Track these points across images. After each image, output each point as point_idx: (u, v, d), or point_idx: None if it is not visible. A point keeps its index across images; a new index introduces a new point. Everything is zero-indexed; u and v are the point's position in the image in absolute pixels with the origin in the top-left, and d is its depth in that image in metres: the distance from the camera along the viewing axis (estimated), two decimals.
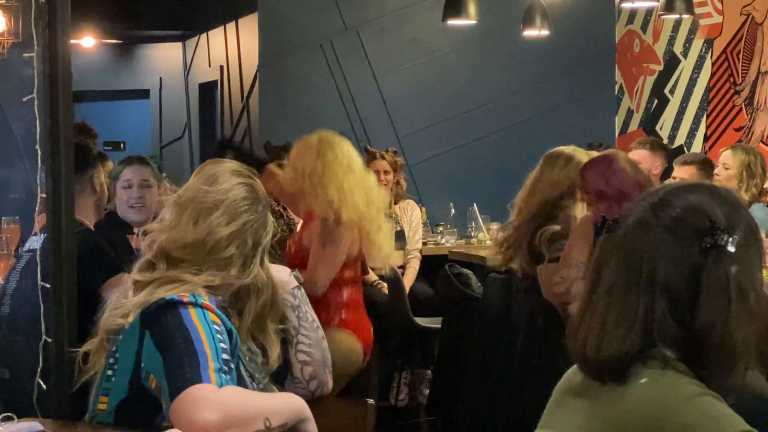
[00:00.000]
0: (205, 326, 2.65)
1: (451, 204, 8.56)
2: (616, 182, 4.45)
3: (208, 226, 2.82)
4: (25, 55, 3.48)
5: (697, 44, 8.62)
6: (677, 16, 7.66)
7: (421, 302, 7.07)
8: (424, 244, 7.73)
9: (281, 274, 3.09)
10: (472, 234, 8.29)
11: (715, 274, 1.87)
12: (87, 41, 11.81)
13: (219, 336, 2.66)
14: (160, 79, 12.41)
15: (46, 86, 3.45)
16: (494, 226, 8.15)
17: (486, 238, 8.12)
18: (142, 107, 12.66)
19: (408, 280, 7.21)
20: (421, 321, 6.84)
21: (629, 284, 1.89)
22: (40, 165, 3.48)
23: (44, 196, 3.47)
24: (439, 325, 6.66)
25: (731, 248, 1.88)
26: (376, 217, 5.10)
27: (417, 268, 7.41)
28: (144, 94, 12.66)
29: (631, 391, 1.86)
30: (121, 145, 11.90)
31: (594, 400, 1.92)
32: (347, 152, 5.11)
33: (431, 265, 7.21)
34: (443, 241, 8.18)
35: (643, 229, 1.92)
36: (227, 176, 2.90)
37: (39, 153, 3.47)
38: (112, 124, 11.70)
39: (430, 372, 7.17)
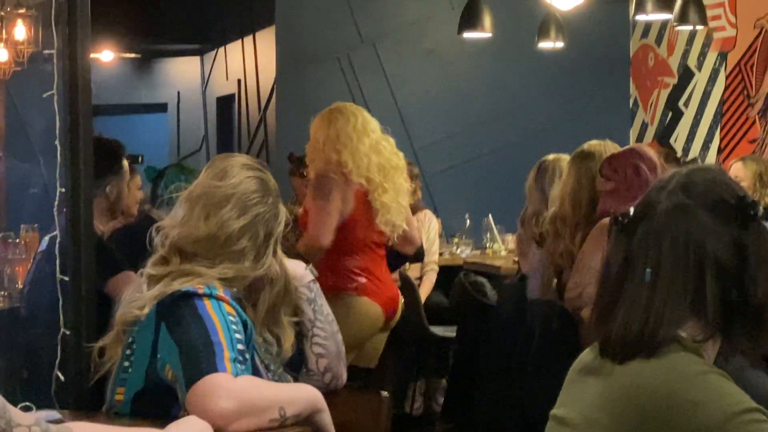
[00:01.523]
0: (221, 317, 2.68)
1: (467, 215, 8.59)
2: (644, 168, 4.49)
3: (219, 220, 2.84)
4: (46, 52, 3.52)
5: (711, 57, 8.65)
6: (691, 27, 7.68)
7: (436, 313, 7.10)
8: (440, 254, 7.76)
9: (297, 267, 3.10)
10: (487, 245, 8.32)
11: (761, 245, 1.94)
12: (106, 55, 11.88)
13: (234, 327, 2.69)
14: (178, 92, 12.44)
15: (65, 81, 3.47)
16: (509, 237, 8.20)
17: (501, 249, 8.16)
18: (160, 121, 12.69)
19: (424, 291, 7.23)
20: (435, 330, 6.88)
21: (678, 266, 1.93)
22: (59, 160, 3.50)
23: (63, 190, 3.50)
24: (454, 334, 6.70)
25: (763, 219, 1.95)
26: (382, 180, 5.20)
27: (434, 280, 7.42)
28: (162, 107, 12.68)
29: (642, 369, 1.89)
30: (139, 159, 11.93)
31: (606, 377, 1.95)
32: (361, 117, 5.25)
33: (447, 275, 7.25)
34: (458, 251, 8.21)
35: (682, 211, 1.96)
36: (237, 170, 2.92)
37: (58, 148, 3.50)
38: (130, 137, 11.66)
39: (444, 381, 7.20)
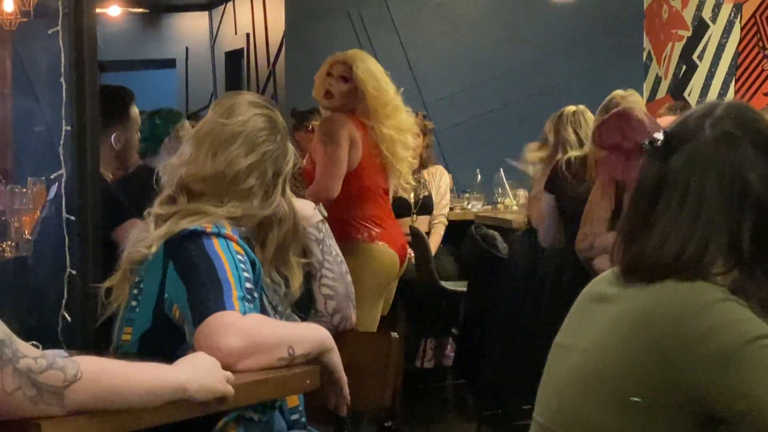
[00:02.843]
0: (229, 256, 2.66)
1: (478, 170, 8.55)
2: (633, 134, 4.45)
3: (226, 158, 2.83)
4: None
5: (726, 9, 8.56)
6: None
7: (447, 269, 7.09)
8: (451, 209, 7.73)
9: (306, 208, 3.09)
10: (499, 200, 8.30)
11: None
12: (113, 10, 11.86)
13: (242, 265, 2.67)
14: (186, 48, 12.44)
15: (70, 18, 3.46)
16: (521, 192, 8.17)
17: (512, 203, 8.13)
18: (169, 76, 12.70)
19: (433, 244, 7.22)
20: (446, 285, 6.85)
21: (724, 195, 1.92)
22: (64, 98, 3.48)
23: (69, 128, 3.48)
24: (465, 289, 6.68)
25: None
26: (395, 136, 5.23)
27: (442, 233, 7.41)
28: (170, 63, 12.71)
29: (660, 292, 1.89)
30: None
31: (619, 302, 1.94)
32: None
33: (458, 230, 7.22)
34: (469, 206, 8.19)
35: (730, 141, 1.95)
36: (244, 108, 2.90)
37: (63, 86, 3.47)
38: (138, 93, 11.53)
39: (455, 335, 7.20)
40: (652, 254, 1.93)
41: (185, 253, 2.67)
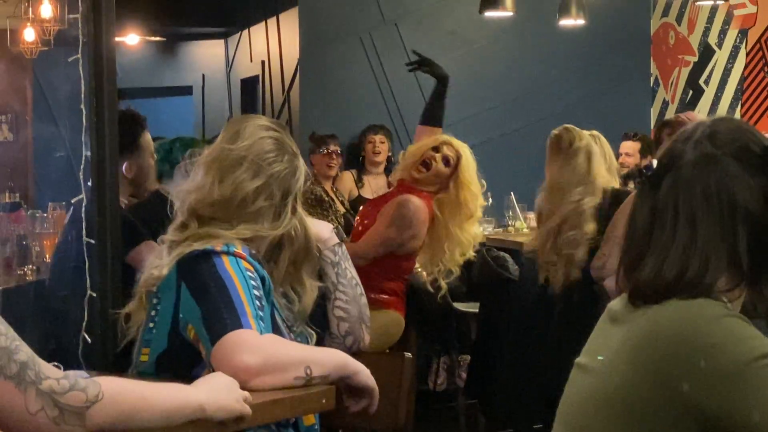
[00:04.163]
0: (239, 274, 2.68)
1: (489, 193, 8.60)
2: None
3: (233, 183, 2.83)
4: (70, 16, 3.54)
5: (732, 34, 8.65)
6: (711, 2, 7.71)
7: (457, 289, 7.14)
8: None
9: (323, 230, 3.11)
10: (510, 223, 8.35)
11: None
12: (131, 39, 11.94)
13: (253, 282, 2.69)
14: (203, 75, 12.49)
15: (90, 46, 3.51)
16: (531, 215, 8.23)
17: (523, 227, 8.19)
18: (186, 103, 12.76)
19: None
20: (458, 306, 6.91)
21: (713, 214, 1.92)
22: (84, 123, 3.53)
23: (89, 154, 3.53)
24: (477, 310, 6.73)
25: None
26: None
27: None
28: (187, 90, 12.76)
29: (663, 312, 1.89)
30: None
31: (628, 324, 1.95)
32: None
33: None
34: (481, 229, 8.24)
35: (709, 161, 1.95)
36: (250, 131, 2.89)
37: (84, 112, 3.52)
38: (155, 120, 11.75)
39: (467, 356, 7.24)
40: (654, 278, 1.93)
41: (197, 274, 2.69)
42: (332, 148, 7.97)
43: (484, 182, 5.43)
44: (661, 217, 1.97)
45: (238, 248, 2.77)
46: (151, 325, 2.78)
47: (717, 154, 1.96)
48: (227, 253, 2.73)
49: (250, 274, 2.72)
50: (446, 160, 5.31)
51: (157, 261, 2.81)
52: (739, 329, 1.84)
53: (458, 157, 5.29)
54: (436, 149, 5.32)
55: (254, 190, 2.85)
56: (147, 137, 4.76)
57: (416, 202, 5.24)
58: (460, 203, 5.26)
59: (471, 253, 5.42)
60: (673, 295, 1.90)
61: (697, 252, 1.91)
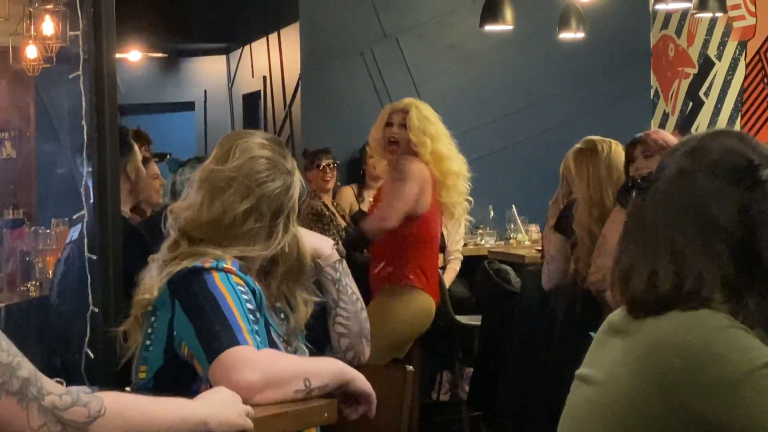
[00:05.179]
0: (230, 289, 2.68)
1: (490, 206, 8.64)
2: None
3: (222, 204, 2.82)
4: (71, 33, 3.56)
5: (731, 46, 8.67)
6: (710, 14, 7.73)
7: (460, 303, 7.16)
8: (464, 245, 7.81)
9: (323, 246, 3.09)
10: (511, 235, 8.38)
11: (766, 208, 1.92)
12: (133, 55, 12.00)
13: (245, 296, 2.69)
14: (205, 91, 12.53)
15: (91, 63, 3.52)
16: (533, 227, 8.27)
17: (525, 239, 8.21)
18: (188, 119, 12.79)
19: (448, 280, 7.28)
20: (461, 319, 6.93)
21: (689, 228, 1.92)
22: (85, 140, 3.54)
23: (90, 170, 3.54)
24: (479, 323, 6.76)
25: None
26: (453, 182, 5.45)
27: (457, 269, 7.48)
28: (189, 106, 12.79)
29: (665, 323, 1.90)
30: (167, 156, 12.08)
31: (631, 335, 1.96)
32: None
33: (471, 265, 7.30)
34: (482, 242, 8.27)
35: (684, 176, 1.97)
36: (241, 151, 2.87)
37: (85, 128, 3.54)
38: (157, 136, 11.76)
39: (470, 369, 7.25)
40: (646, 290, 1.94)
41: (188, 292, 2.69)
42: (324, 162, 7.99)
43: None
44: (645, 230, 1.99)
45: (228, 263, 2.76)
46: (148, 342, 2.78)
47: (693, 170, 1.97)
48: (216, 269, 2.73)
49: (242, 288, 2.72)
50: (404, 126, 5.49)
51: (149, 281, 2.81)
52: (742, 339, 1.84)
53: (408, 114, 5.47)
54: (389, 124, 5.54)
55: (243, 212, 2.83)
56: (132, 143, 4.81)
57: (410, 159, 5.43)
58: (434, 149, 5.49)
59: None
60: (674, 306, 1.90)
61: (687, 265, 1.92)
